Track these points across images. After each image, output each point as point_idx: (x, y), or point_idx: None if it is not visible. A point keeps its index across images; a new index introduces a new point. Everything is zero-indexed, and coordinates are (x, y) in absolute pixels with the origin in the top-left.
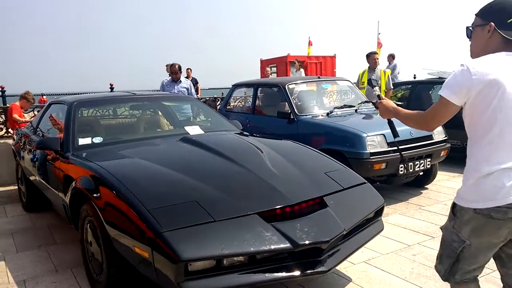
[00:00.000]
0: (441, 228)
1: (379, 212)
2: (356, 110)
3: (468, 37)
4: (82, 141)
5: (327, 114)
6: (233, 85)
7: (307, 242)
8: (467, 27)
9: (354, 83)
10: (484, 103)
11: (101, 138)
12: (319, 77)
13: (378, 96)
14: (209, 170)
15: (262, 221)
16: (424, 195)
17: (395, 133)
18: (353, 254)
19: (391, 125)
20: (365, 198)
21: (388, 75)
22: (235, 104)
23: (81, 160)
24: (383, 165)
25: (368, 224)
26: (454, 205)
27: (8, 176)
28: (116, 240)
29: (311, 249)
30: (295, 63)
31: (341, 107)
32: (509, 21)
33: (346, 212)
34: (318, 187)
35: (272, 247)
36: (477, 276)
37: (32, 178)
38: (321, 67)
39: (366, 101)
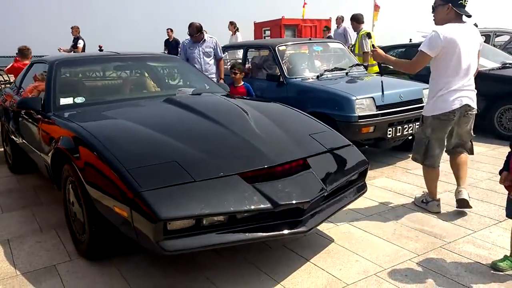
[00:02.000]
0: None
1: (362, 174)
2: (347, 73)
3: (432, 12)
4: (64, 101)
5: (317, 77)
6: (222, 47)
7: (287, 202)
8: (432, 5)
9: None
10: (448, 54)
11: (83, 98)
12: (310, 39)
13: (372, 45)
14: (192, 131)
15: (243, 182)
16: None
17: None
18: (336, 215)
19: None
20: (349, 160)
21: (362, 36)
22: (225, 66)
23: (62, 120)
24: (371, 129)
25: (351, 186)
26: (422, 116)
27: None
28: (97, 200)
29: (292, 209)
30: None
31: (332, 70)
32: (459, 2)
33: (328, 174)
34: (302, 149)
35: (252, 207)
36: (439, 161)
37: (15, 139)
38: (315, 31)
39: (357, 64)
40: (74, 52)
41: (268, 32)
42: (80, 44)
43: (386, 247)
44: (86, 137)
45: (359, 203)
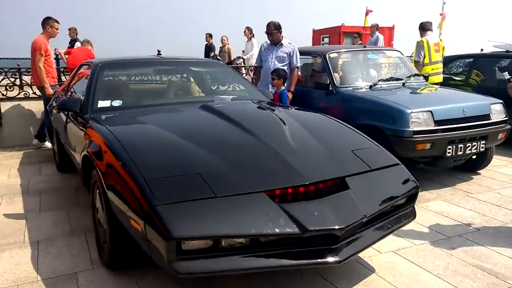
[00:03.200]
0: None
1: (411, 198)
2: (403, 84)
3: None
4: (102, 103)
5: (370, 87)
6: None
7: (317, 227)
8: None
9: (409, 56)
10: None
11: (121, 102)
12: (365, 46)
13: (509, 80)
14: (222, 141)
15: (269, 201)
16: (474, 181)
17: None
18: (378, 243)
19: None
20: (396, 181)
21: (418, 44)
22: None
23: (95, 123)
24: (428, 145)
25: (397, 211)
26: None
27: None
28: (116, 209)
29: (324, 235)
30: (245, 31)
31: (387, 80)
32: None
33: (370, 196)
34: (341, 166)
35: (277, 230)
36: None
37: (60, 138)
38: None
39: (416, 74)
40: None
41: (326, 40)
42: (78, 46)
43: (436, 285)
44: (112, 142)
45: (409, 229)
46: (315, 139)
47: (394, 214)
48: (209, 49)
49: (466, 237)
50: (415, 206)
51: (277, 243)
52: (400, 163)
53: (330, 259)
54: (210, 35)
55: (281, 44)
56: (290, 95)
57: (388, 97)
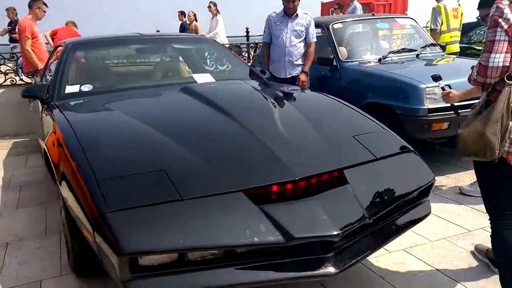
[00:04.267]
0: None
1: (425, 192)
2: (417, 55)
3: None
4: (70, 88)
5: (379, 60)
6: None
7: (305, 235)
8: None
9: (425, 27)
10: None
11: (91, 86)
12: (373, 15)
13: (442, 88)
14: (198, 130)
15: (249, 203)
16: None
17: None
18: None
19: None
20: (407, 172)
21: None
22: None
23: (57, 111)
24: (445, 125)
25: (408, 207)
26: None
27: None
28: (72, 212)
29: (315, 242)
30: (209, 6)
31: (398, 52)
32: None
33: (374, 192)
34: (338, 156)
35: (256, 239)
36: None
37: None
38: (390, 10)
39: (431, 44)
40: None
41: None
42: None
43: None
44: (67, 136)
45: (422, 222)
46: (311, 125)
47: (405, 210)
48: (183, 28)
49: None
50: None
51: (257, 254)
52: (412, 149)
53: (323, 270)
54: (183, 13)
55: (297, 15)
56: (304, 77)
57: (399, 70)
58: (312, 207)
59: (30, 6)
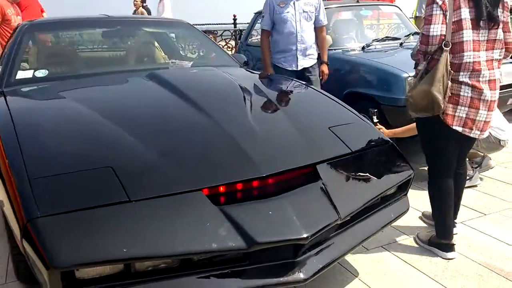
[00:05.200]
0: None
1: (403, 187)
2: (401, 44)
3: None
4: (22, 74)
5: (362, 48)
6: (255, 13)
7: (270, 239)
8: None
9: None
10: None
11: (46, 71)
12: (357, 1)
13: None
14: (159, 121)
15: (208, 203)
16: None
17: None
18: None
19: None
20: (384, 166)
21: None
22: (258, 37)
23: (2, 99)
24: None
25: (385, 204)
26: None
27: None
28: (6, 216)
29: (282, 246)
30: None
31: (382, 40)
32: None
33: (349, 188)
34: (311, 150)
35: (214, 245)
36: None
37: None
38: None
39: (415, 33)
40: None
41: None
42: None
43: None
44: (4, 128)
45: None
46: (285, 116)
47: (381, 207)
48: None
49: (469, 224)
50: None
51: (218, 261)
52: (390, 141)
53: (292, 277)
54: None
55: None
56: (326, 69)
57: (381, 59)
58: (279, 207)
59: None
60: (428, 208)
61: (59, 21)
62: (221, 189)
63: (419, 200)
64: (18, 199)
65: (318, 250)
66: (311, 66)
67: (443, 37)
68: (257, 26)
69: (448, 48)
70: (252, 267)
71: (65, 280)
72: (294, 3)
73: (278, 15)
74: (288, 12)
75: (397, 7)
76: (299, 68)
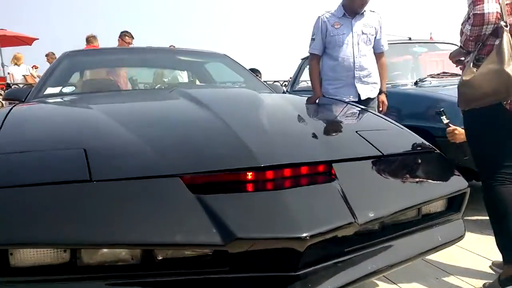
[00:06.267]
0: None
1: (455, 204)
2: None
3: None
4: (51, 90)
5: (415, 83)
6: (302, 59)
7: (253, 235)
8: None
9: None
10: None
11: (73, 88)
12: (410, 38)
13: (447, 124)
14: (158, 117)
15: (183, 190)
16: None
17: None
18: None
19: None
20: (425, 175)
21: None
22: (308, 83)
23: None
24: None
25: (428, 223)
26: None
27: None
28: None
29: (276, 252)
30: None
31: (438, 75)
32: None
33: (372, 193)
34: (328, 147)
35: (177, 237)
36: None
37: None
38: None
39: None
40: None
41: None
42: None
43: None
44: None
45: (447, 253)
46: (310, 122)
47: (424, 226)
48: None
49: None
50: (464, 217)
51: (187, 264)
52: (437, 150)
53: None
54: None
55: (362, 13)
56: (385, 99)
57: (437, 91)
58: (275, 200)
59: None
60: (500, 257)
61: (99, 50)
62: (206, 178)
63: (487, 246)
64: None
65: (328, 265)
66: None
67: (500, 16)
68: (306, 71)
69: (508, 28)
70: (233, 276)
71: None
72: (351, 24)
73: (332, 38)
74: (344, 34)
75: (455, 45)
76: (363, 97)
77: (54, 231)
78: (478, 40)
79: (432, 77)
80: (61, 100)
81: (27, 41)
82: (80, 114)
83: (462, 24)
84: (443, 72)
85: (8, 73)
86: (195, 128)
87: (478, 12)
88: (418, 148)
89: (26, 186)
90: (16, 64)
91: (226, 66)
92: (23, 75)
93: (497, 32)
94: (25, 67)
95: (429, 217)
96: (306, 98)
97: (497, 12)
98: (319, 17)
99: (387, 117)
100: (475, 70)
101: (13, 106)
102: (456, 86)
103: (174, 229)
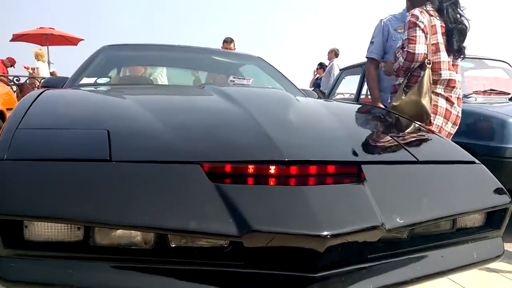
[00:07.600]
0: None
1: (495, 220)
2: (511, 99)
3: None
4: (86, 80)
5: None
6: (341, 70)
7: (270, 228)
8: None
9: None
10: None
11: (108, 79)
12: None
13: None
14: (191, 112)
15: (202, 177)
16: None
17: None
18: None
19: None
20: (463, 186)
21: None
22: (344, 95)
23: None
24: None
25: (464, 238)
26: None
27: None
28: None
29: (294, 250)
30: None
31: (485, 92)
32: None
33: (402, 199)
34: (359, 148)
35: (191, 224)
36: None
37: None
38: None
39: None
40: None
41: None
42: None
43: None
44: (30, 96)
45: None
46: (338, 122)
47: (458, 241)
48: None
49: None
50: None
51: (201, 254)
52: (478, 161)
53: None
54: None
55: None
56: None
57: (482, 107)
58: (297, 197)
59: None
60: None
61: (139, 45)
62: (227, 168)
63: None
64: None
65: (349, 270)
66: None
67: (426, 56)
68: (343, 83)
69: (430, 65)
70: (247, 271)
71: (10, 239)
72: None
73: (394, 42)
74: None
75: (507, 63)
76: None
77: (70, 206)
78: (407, 70)
79: (478, 93)
80: (93, 88)
81: (73, 41)
82: (109, 99)
83: (397, 50)
84: (491, 90)
85: (37, 68)
86: (221, 119)
87: (410, 51)
88: (457, 158)
89: (46, 161)
90: (42, 60)
91: (261, 69)
92: (51, 71)
93: (422, 66)
94: (47, 64)
95: (465, 231)
96: (341, 103)
97: (424, 53)
98: (381, 20)
99: (427, 127)
100: (403, 97)
101: (44, 90)
102: (504, 103)
103: (189, 216)
